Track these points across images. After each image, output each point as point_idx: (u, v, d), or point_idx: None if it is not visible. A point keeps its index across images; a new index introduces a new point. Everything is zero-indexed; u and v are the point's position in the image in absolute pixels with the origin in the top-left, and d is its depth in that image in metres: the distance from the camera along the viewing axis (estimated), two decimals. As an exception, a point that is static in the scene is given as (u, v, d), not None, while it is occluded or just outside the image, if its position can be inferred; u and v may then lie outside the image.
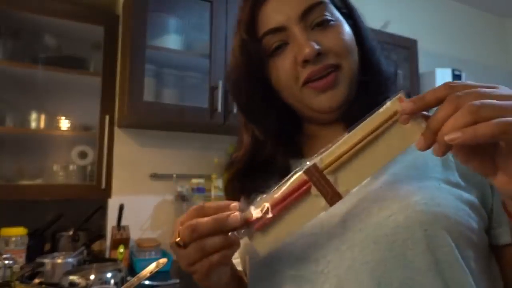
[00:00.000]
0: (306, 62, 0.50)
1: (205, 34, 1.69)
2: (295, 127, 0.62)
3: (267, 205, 0.42)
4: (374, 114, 0.39)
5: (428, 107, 0.36)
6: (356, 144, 0.39)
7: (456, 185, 0.46)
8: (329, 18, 0.52)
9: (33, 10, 1.62)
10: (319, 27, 0.52)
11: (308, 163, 0.41)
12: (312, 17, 0.52)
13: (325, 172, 0.40)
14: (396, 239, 0.42)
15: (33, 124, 1.71)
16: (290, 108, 0.58)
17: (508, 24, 3.28)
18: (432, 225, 0.42)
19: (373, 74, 0.56)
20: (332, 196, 0.40)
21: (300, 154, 0.58)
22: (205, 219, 0.41)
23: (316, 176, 0.40)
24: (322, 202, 0.41)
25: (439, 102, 0.34)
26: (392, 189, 0.46)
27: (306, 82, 0.52)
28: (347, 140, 0.40)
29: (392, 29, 2.26)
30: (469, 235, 0.43)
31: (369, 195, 0.46)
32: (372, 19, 0.60)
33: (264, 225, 0.42)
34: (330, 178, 0.40)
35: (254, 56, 0.55)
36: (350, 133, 0.40)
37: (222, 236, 0.41)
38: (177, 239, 0.43)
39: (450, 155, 0.46)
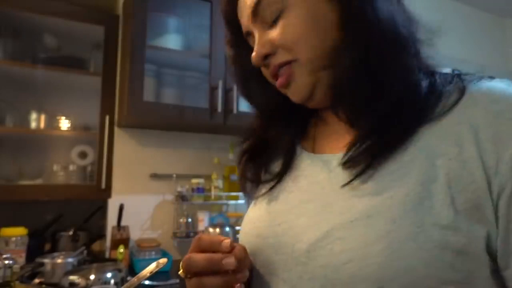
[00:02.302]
0: (260, 66, 0.50)
1: (205, 34, 1.69)
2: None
3: None
4: None
5: None
6: None
7: (445, 227, 0.37)
8: (277, 11, 0.47)
9: (33, 10, 1.62)
10: (272, 22, 0.48)
11: None
12: (264, 13, 0.48)
13: None
14: None
15: (33, 124, 1.71)
16: None
17: (508, 24, 3.27)
18: (390, 282, 0.36)
19: (366, 37, 0.44)
20: None
21: (305, 134, 0.57)
22: (199, 256, 0.42)
23: None
24: None
25: None
26: (362, 227, 0.39)
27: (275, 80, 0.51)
28: None
29: (392, 29, 2.26)
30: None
31: (338, 228, 0.41)
32: (372, 19, 0.60)
33: None
34: None
35: (240, 51, 0.56)
36: None
37: (219, 277, 0.41)
38: (180, 271, 0.43)
39: (453, 179, 0.38)
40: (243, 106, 1.75)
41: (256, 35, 0.49)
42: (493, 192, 0.37)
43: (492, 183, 0.37)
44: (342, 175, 0.44)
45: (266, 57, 0.48)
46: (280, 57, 0.47)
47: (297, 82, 0.48)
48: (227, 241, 0.42)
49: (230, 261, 0.40)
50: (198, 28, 1.77)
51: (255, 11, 0.48)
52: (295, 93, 0.49)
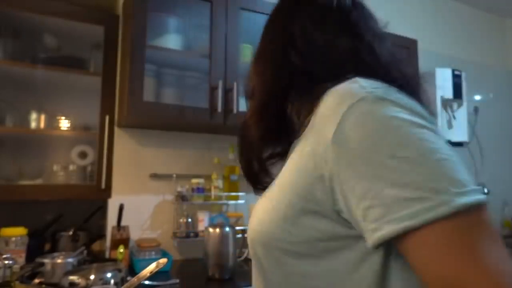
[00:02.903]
0: None
1: (205, 34, 1.69)
2: None
3: None
4: None
5: None
6: None
7: (287, 205, 0.49)
8: None
9: (33, 10, 1.62)
10: None
11: None
12: None
13: None
14: (251, 249, 0.56)
15: (33, 124, 1.71)
16: None
17: (508, 24, 3.27)
18: (255, 242, 0.53)
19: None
20: None
21: None
22: None
23: None
24: None
25: None
26: (260, 202, 0.56)
27: None
28: None
29: (392, 29, 2.25)
30: (286, 247, 0.49)
31: (258, 203, 0.57)
32: (372, 19, 0.61)
33: None
34: None
35: None
36: None
37: None
38: None
39: (298, 169, 0.49)
40: (243, 106, 1.75)
41: None
42: (325, 177, 0.44)
43: (323, 169, 0.44)
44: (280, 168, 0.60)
45: None
46: None
47: None
48: None
49: None
50: (198, 28, 1.77)
51: None
52: None
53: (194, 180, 1.83)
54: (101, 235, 1.72)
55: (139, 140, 1.81)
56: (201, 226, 1.80)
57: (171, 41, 1.69)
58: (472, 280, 0.35)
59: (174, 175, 1.83)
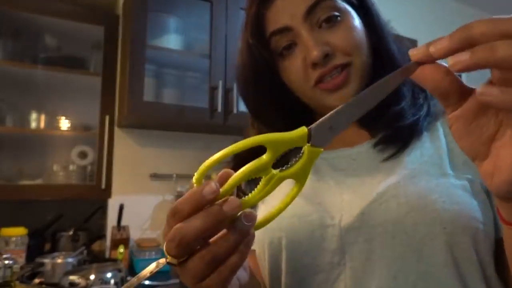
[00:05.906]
0: (315, 64, 0.50)
1: (205, 34, 1.69)
2: (309, 119, 0.63)
3: None
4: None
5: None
6: None
7: (470, 180, 0.47)
8: (336, 14, 0.51)
9: (33, 10, 1.62)
10: (327, 24, 0.51)
11: None
12: (318, 14, 0.50)
13: None
14: (414, 235, 0.43)
15: (33, 124, 1.71)
16: (302, 102, 0.58)
17: (508, 24, 3.27)
18: (451, 223, 0.43)
19: (385, 63, 0.54)
20: None
21: None
22: (180, 205, 0.34)
23: None
24: None
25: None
26: (410, 185, 0.46)
27: (317, 83, 0.51)
28: None
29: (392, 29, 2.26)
30: (485, 229, 0.44)
31: (388, 190, 0.46)
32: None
33: None
34: None
35: (260, 58, 0.55)
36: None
37: (233, 234, 0.33)
38: (167, 259, 0.35)
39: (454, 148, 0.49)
40: (243, 106, 1.75)
41: (305, 32, 0.50)
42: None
43: None
44: (367, 160, 0.52)
45: (325, 56, 0.49)
46: (339, 59, 0.50)
47: (350, 86, 0.51)
48: (212, 185, 0.33)
49: (208, 188, 0.33)
50: (198, 28, 1.77)
51: (311, 10, 0.50)
52: (344, 96, 0.51)
53: (194, 180, 1.83)
54: (101, 235, 1.72)
55: (139, 140, 1.81)
56: (201, 226, 1.80)
57: (171, 41, 1.69)
58: None
59: (174, 175, 1.83)
